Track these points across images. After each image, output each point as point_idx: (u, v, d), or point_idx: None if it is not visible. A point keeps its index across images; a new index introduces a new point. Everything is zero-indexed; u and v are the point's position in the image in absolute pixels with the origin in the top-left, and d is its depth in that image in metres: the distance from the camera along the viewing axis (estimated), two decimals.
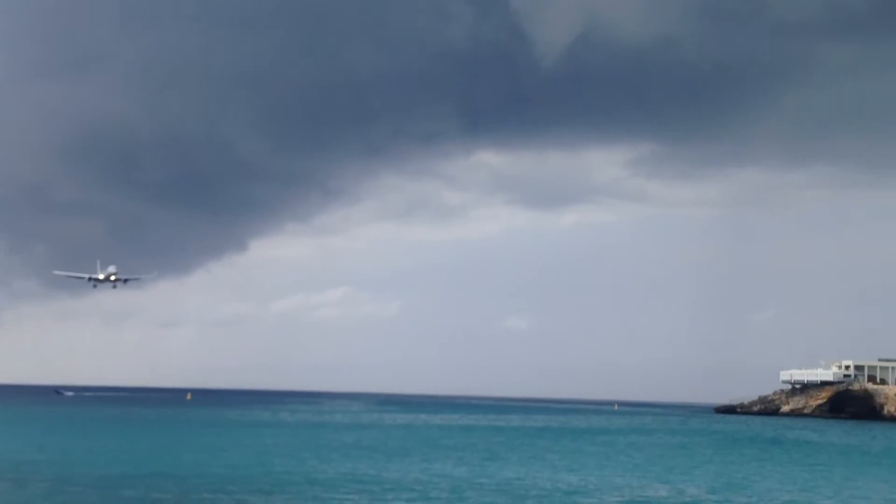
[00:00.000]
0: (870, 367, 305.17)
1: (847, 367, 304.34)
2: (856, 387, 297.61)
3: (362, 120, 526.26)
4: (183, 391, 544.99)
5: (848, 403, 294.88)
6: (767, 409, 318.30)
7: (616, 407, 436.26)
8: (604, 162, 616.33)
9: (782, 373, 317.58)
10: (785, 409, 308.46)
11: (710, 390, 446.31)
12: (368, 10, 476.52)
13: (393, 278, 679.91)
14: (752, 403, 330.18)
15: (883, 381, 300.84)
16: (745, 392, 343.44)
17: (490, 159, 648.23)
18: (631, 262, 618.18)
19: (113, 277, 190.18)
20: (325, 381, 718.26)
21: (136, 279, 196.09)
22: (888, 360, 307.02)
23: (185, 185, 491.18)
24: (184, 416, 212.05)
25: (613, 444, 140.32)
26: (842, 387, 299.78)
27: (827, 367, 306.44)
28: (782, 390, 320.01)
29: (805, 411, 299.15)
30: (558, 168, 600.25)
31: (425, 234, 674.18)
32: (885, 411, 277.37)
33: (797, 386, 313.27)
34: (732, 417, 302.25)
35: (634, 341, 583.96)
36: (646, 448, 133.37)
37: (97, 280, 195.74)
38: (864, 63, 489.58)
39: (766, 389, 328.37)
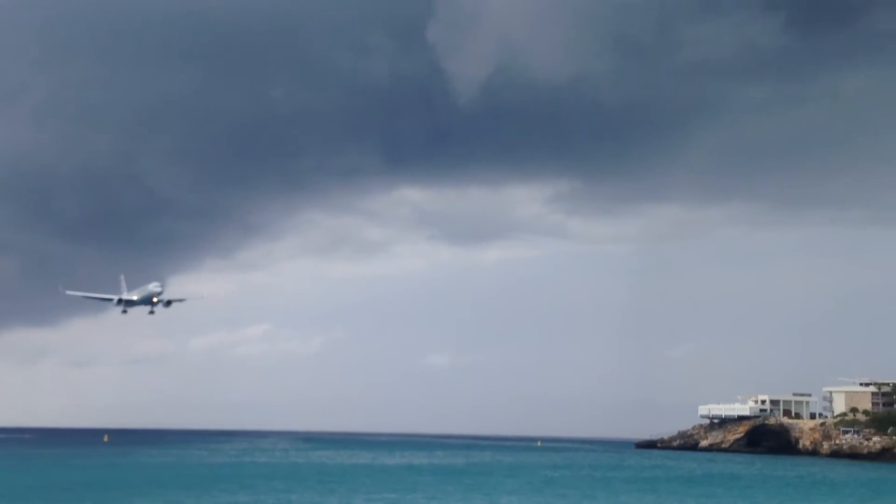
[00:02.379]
0: (785, 402, 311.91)
1: (763, 402, 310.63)
2: (772, 421, 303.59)
3: (284, 155, 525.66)
4: (101, 431, 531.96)
5: (765, 437, 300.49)
6: (687, 443, 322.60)
7: (539, 444, 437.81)
8: (525, 198, 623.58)
9: (701, 407, 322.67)
10: (704, 443, 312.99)
11: (631, 425, 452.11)
12: (290, 46, 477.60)
13: (315, 315, 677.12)
14: (672, 438, 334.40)
15: (798, 416, 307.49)
16: (664, 427, 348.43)
17: (412, 195, 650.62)
18: (552, 298, 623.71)
19: (156, 299, 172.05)
20: (248, 419, 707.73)
21: (179, 300, 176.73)
22: (802, 395, 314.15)
23: (102, 221, 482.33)
24: (91, 457, 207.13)
25: (547, 482, 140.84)
26: (758, 421, 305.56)
27: (744, 401, 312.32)
28: (701, 425, 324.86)
29: (723, 446, 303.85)
30: (480, 204, 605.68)
31: (348, 269, 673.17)
32: (801, 445, 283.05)
33: (715, 420, 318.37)
34: (654, 452, 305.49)
35: (556, 377, 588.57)
36: (585, 487, 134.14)
37: (128, 301, 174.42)
38: (774, 102, 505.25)
39: (686, 424, 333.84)
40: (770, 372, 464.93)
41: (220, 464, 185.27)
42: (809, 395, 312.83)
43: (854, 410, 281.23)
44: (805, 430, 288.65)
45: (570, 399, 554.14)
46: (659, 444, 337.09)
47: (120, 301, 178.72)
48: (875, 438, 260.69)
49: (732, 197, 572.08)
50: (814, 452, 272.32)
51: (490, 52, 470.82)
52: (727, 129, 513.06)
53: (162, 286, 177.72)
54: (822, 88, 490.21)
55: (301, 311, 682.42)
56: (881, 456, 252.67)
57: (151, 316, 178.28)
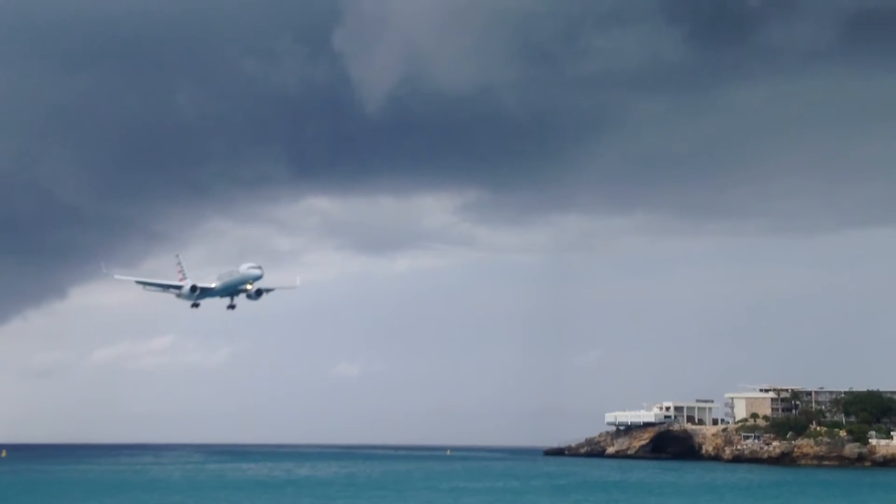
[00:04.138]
0: (689, 408, 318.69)
1: (668, 409, 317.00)
2: (676, 427, 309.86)
3: (188, 163, 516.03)
4: None
5: (669, 444, 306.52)
6: (594, 450, 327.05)
7: (448, 452, 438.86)
8: (434, 208, 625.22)
9: (607, 415, 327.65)
10: (610, 450, 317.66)
11: (539, 433, 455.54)
12: (195, 51, 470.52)
13: (222, 325, 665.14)
14: (580, 446, 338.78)
15: (701, 422, 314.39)
16: (572, 434, 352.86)
17: (321, 204, 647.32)
18: (461, 306, 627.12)
19: (250, 286, 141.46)
20: (152, 432, 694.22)
21: (269, 290, 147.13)
22: (705, 402, 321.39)
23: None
24: None
25: (456, 492, 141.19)
26: (663, 427, 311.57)
27: (649, 408, 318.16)
28: (608, 432, 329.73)
29: (629, 452, 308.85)
30: (389, 213, 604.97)
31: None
32: (704, 450, 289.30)
33: (621, 428, 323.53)
34: (563, 460, 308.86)
35: (465, 386, 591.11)
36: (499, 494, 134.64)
37: (205, 290, 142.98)
38: (675, 113, 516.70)
39: (593, 431, 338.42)
40: (675, 379, 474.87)
41: (118, 479, 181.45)
42: (712, 402, 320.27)
43: (755, 416, 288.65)
44: (708, 435, 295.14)
45: (479, 407, 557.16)
46: (567, 452, 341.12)
47: (194, 289, 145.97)
48: (774, 443, 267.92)
49: (636, 207, 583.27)
50: (716, 457, 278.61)
51: (396, 61, 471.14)
52: (631, 139, 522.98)
53: (262, 268, 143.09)
54: (720, 101, 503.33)
55: (207, 322, 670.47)
56: (780, 460, 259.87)
57: (192, 310, 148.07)
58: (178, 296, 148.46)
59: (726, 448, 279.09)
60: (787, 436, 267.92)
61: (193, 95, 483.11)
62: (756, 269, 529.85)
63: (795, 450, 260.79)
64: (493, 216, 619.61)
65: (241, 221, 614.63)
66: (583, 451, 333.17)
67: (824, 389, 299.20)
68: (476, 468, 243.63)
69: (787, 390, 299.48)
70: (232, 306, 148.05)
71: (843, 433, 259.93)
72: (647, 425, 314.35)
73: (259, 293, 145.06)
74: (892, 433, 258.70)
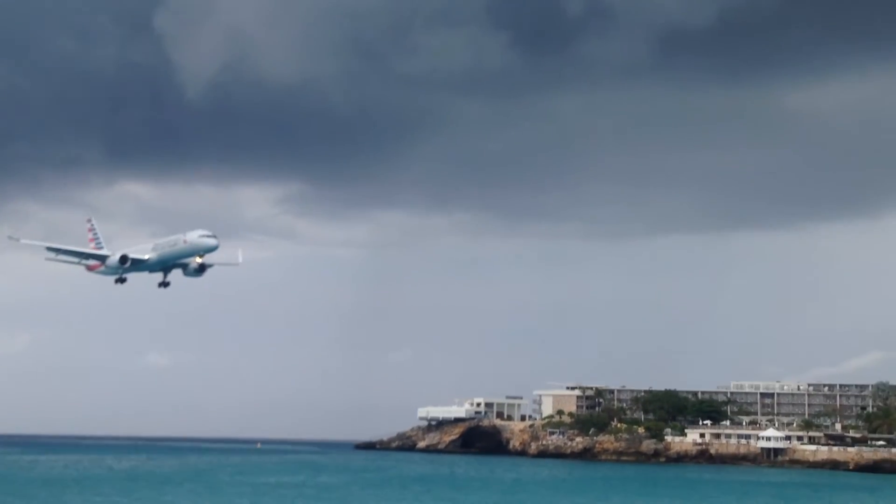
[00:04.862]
0: (499, 404, 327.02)
1: (478, 405, 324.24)
2: (485, 423, 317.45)
3: None
4: None
5: (478, 439, 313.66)
6: (405, 444, 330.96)
7: (259, 445, 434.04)
8: (254, 199, 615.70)
9: (419, 410, 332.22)
10: (421, 444, 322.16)
11: (352, 427, 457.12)
12: (7, 27, 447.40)
13: (24, 312, 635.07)
14: (391, 440, 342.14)
15: (510, 417, 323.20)
16: (384, 429, 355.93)
17: (136, 190, 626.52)
18: (278, 299, 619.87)
19: (199, 260, 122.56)
20: None
21: (209, 266, 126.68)
22: (514, 398, 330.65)
23: None
24: None
25: (266, 487, 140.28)
26: (473, 423, 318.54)
27: (460, 404, 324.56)
28: (419, 427, 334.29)
29: (440, 447, 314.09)
30: (208, 202, 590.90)
31: (65, 265, 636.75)
32: (511, 445, 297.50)
33: (433, 423, 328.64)
34: (374, 454, 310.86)
35: (278, 379, 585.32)
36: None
37: (137, 262, 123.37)
38: (497, 117, 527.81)
39: (405, 426, 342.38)
40: (486, 375, 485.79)
41: None
42: (521, 398, 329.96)
43: (560, 413, 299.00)
44: (515, 431, 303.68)
45: (292, 401, 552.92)
46: (378, 446, 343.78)
47: (124, 260, 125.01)
48: (578, 439, 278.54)
49: (456, 207, 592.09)
50: (523, 452, 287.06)
51: (220, 46, 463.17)
52: (453, 140, 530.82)
53: (217, 238, 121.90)
54: (540, 107, 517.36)
55: (8, 308, 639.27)
56: (583, 455, 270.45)
57: (160, 290, 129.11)
58: (95, 268, 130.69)
59: (532, 443, 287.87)
60: (590, 432, 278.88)
61: (4, 72, 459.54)
62: (569, 271, 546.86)
63: (597, 445, 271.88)
64: (315, 210, 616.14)
65: (50, 204, 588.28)
66: (394, 445, 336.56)
67: (626, 388, 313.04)
68: (287, 462, 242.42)
69: (591, 388, 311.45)
70: (165, 283, 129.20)
71: (641, 430, 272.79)
72: (457, 420, 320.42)
73: (202, 269, 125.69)
74: (685, 430, 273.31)
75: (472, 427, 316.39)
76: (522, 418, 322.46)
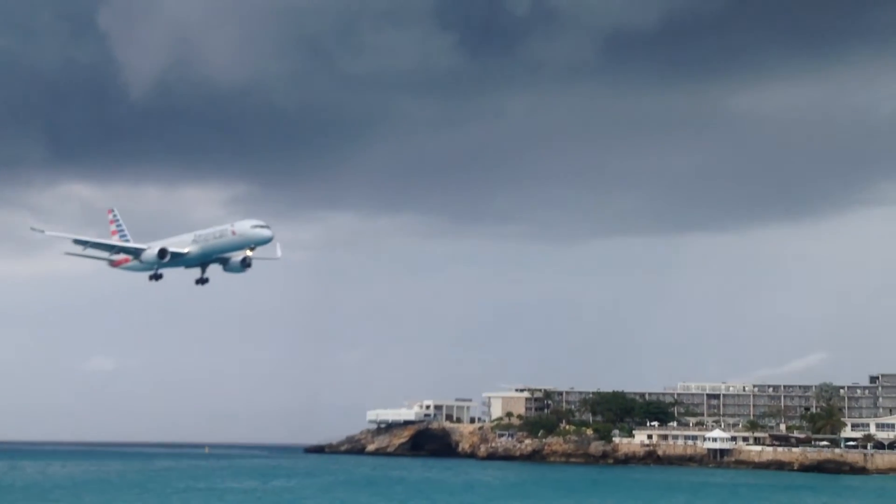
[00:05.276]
0: (448, 407, 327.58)
1: (428, 407, 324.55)
2: (435, 425, 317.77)
3: None
4: None
5: (428, 441, 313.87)
6: (354, 448, 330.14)
7: (207, 450, 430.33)
8: (201, 200, 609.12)
9: (369, 412, 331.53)
10: (371, 447, 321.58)
11: (301, 431, 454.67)
12: None
13: None
14: (340, 443, 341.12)
15: (459, 420, 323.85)
16: (334, 432, 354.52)
17: (79, 191, 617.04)
18: (225, 302, 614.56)
19: (250, 252, 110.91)
20: None
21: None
22: (464, 400, 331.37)
23: None
24: None
25: (215, 492, 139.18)
26: (422, 425, 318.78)
27: (410, 406, 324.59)
28: (368, 430, 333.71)
29: (389, 450, 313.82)
30: (154, 203, 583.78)
31: (7, 267, 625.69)
32: (461, 448, 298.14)
33: (382, 425, 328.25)
34: (323, 457, 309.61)
35: (227, 382, 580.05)
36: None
37: (176, 256, 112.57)
38: (445, 118, 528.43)
39: (355, 429, 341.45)
40: (436, 377, 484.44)
41: None
42: (470, 400, 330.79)
43: (510, 415, 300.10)
44: (465, 433, 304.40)
45: (240, 405, 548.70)
46: (327, 449, 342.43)
47: (163, 255, 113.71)
48: (527, 441, 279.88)
49: (405, 208, 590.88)
50: (472, 455, 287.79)
51: (164, 46, 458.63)
52: (402, 141, 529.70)
53: (271, 228, 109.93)
54: (488, 108, 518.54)
55: None
56: (531, 457, 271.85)
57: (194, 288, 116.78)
58: (121, 263, 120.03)
59: (482, 446, 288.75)
60: (539, 434, 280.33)
61: None
62: (517, 273, 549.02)
63: (546, 447, 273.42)
64: (262, 211, 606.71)
65: None
66: (343, 448, 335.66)
67: (574, 390, 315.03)
68: (236, 466, 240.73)
69: (540, 390, 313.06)
70: (203, 280, 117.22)
71: (589, 431, 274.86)
72: (407, 423, 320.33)
73: (247, 263, 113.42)
74: (633, 432, 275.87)
75: (421, 430, 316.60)
76: (472, 420, 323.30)
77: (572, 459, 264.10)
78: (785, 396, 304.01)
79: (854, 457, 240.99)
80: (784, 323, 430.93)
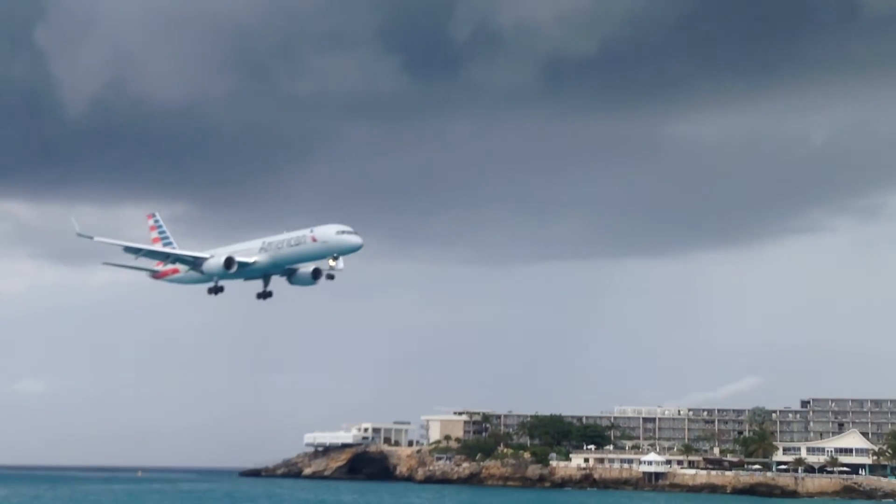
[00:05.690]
0: (386, 430, 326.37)
1: (366, 430, 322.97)
2: (373, 448, 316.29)
3: None
4: None
5: (365, 465, 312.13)
6: (291, 471, 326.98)
7: (139, 473, 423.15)
8: (138, 220, 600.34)
9: (307, 436, 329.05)
10: (307, 471, 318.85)
11: (237, 454, 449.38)
12: None
13: None
14: (277, 466, 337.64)
15: (397, 443, 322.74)
16: (271, 455, 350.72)
17: (13, 209, 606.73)
18: (162, 324, 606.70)
19: (332, 262, 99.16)
20: None
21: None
22: (402, 423, 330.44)
23: None
24: None
25: None
26: (360, 449, 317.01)
27: (348, 429, 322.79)
28: (306, 453, 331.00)
29: (326, 473, 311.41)
30: (90, 223, 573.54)
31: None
32: (398, 471, 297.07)
33: (320, 448, 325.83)
34: (259, 481, 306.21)
35: (160, 405, 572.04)
36: None
37: (243, 266, 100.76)
38: (387, 140, 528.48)
39: (292, 452, 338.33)
40: (375, 400, 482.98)
41: None
42: (409, 424, 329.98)
43: (448, 438, 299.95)
44: (403, 457, 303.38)
45: (174, 428, 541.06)
46: (263, 473, 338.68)
47: (229, 264, 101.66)
48: (465, 464, 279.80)
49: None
50: (410, 478, 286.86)
51: (102, 64, 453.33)
52: (343, 162, 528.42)
53: (360, 234, 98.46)
54: (429, 131, 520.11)
55: None
56: (469, 480, 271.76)
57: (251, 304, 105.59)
58: (165, 275, 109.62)
59: (419, 469, 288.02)
60: (477, 457, 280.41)
61: None
62: (457, 295, 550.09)
63: (483, 471, 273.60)
64: (201, 232, 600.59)
65: None
66: (280, 472, 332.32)
67: (513, 413, 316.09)
68: (170, 491, 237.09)
69: (479, 413, 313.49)
70: (267, 294, 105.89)
71: (527, 455, 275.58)
72: (345, 446, 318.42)
73: (319, 275, 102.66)
74: (570, 455, 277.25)
75: (359, 453, 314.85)
76: (410, 444, 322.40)
77: (510, 483, 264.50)
78: (719, 420, 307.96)
79: (785, 480, 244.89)
80: (719, 348, 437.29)
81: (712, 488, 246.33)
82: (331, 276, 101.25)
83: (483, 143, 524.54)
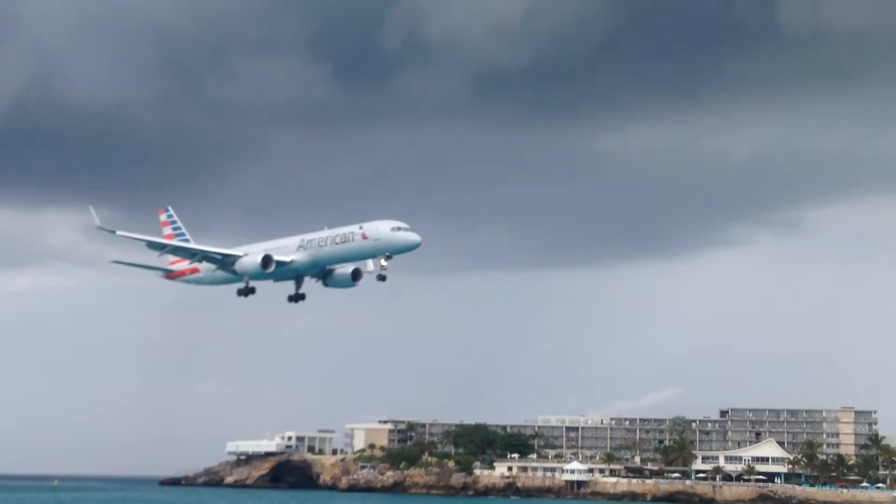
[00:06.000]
0: (310, 438, 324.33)
1: (290, 438, 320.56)
2: (296, 457, 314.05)
3: None
4: None
5: (288, 473, 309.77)
6: (212, 480, 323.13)
7: (56, 482, 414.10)
8: (60, 225, 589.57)
9: (229, 444, 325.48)
10: (229, 479, 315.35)
11: (157, 462, 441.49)
12: None
13: None
14: (198, 475, 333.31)
15: (321, 451, 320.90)
16: (192, 463, 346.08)
17: None
18: (83, 329, 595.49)
19: (384, 262, 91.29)
20: None
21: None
22: (326, 432, 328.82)
23: None
24: None
25: None
26: (283, 457, 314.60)
27: (272, 438, 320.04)
28: (228, 462, 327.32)
29: (248, 482, 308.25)
30: (9, 228, 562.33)
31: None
32: (322, 480, 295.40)
33: (242, 457, 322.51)
34: (180, 490, 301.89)
35: (78, 411, 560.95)
36: None
37: (281, 266, 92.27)
38: (317, 149, 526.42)
39: (213, 461, 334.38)
40: (299, 409, 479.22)
41: None
42: (333, 432, 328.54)
43: (372, 446, 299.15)
44: (326, 465, 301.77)
45: (92, 434, 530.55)
46: (184, 482, 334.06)
47: (267, 263, 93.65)
48: (389, 473, 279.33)
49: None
50: (333, 487, 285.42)
51: (23, 66, 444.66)
52: (272, 169, 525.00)
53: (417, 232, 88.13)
54: (360, 140, 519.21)
55: None
56: (393, 489, 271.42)
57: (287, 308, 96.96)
58: (183, 274, 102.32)
59: (343, 478, 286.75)
60: (401, 466, 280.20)
61: None
62: (383, 304, 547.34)
63: (407, 479, 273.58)
64: (124, 238, 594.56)
65: None
66: (200, 480, 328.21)
67: (437, 422, 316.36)
68: (87, 500, 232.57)
69: (403, 422, 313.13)
70: (299, 296, 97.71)
71: (451, 463, 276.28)
72: (268, 455, 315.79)
73: (359, 276, 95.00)
74: (494, 464, 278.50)
75: (282, 461, 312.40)
76: (334, 452, 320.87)
77: (433, 491, 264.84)
78: (640, 429, 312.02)
79: (703, 488, 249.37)
80: (642, 357, 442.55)
81: (633, 496, 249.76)
82: (382, 278, 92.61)
83: (414, 152, 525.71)
